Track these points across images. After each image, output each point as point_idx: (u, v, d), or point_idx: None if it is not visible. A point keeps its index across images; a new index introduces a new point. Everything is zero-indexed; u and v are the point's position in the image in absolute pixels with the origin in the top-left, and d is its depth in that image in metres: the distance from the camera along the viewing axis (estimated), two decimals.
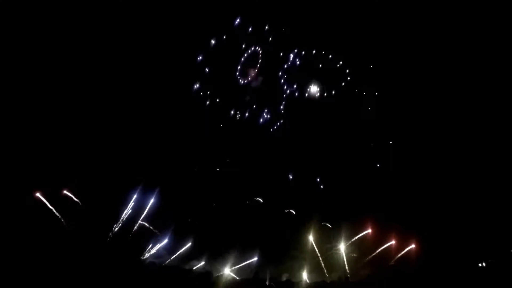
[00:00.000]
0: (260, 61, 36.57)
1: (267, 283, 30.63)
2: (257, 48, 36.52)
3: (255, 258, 30.68)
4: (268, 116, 36.70)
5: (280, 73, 37.36)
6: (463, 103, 34.05)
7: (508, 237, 31.50)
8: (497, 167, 32.67)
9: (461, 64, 34.08)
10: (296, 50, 37.53)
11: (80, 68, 31.33)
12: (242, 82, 36.16)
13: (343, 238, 31.91)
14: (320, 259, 31.50)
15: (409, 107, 35.29)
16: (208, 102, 34.89)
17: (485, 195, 32.24)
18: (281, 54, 37.36)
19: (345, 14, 35.73)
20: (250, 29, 36.03)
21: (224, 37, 34.73)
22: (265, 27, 36.49)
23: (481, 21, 33.23)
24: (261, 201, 34.21)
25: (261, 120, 36.56)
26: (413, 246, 31.52)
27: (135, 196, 30.69)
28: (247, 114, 36.15)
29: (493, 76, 33.71)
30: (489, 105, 33.65)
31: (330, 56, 37.72)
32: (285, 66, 37.33)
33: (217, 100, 35.05)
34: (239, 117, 35.79)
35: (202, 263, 30.44)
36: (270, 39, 36.63)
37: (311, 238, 31.64)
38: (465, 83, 34.17)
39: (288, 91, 37.42)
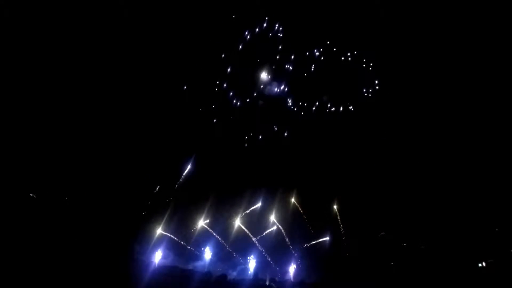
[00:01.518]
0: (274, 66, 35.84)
1: (267, 283, 30.78)
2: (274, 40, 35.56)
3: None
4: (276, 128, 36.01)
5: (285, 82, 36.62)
6: (462, 105, 33.94)
7: (508, 237, 31.51)
8: (497, 168, 32.61)
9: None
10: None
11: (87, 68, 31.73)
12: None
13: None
14: None
15: (410, 107, 35.13)
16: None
17: (485, 196, 32.20)
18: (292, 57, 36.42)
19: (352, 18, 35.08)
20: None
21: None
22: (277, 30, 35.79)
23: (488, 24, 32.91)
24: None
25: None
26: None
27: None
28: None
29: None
30: (489, 107, 33.56)
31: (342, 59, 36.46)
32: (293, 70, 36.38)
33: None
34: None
35: None
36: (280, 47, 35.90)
37: None
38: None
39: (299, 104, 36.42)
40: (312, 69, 36.06)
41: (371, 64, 36.10)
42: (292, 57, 35.93)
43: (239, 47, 34.71)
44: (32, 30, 30.49)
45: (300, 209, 33.79)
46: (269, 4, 35.52)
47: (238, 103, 34.85)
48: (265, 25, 35.52)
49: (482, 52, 33.44)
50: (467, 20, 33.27)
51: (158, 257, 30.86)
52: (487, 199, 32.18)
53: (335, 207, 34.03)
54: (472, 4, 33.05)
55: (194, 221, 32.30)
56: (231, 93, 34.66)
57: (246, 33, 34.83)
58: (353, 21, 35.04)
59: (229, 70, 34.60)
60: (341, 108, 35.67)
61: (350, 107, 35.71)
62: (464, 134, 33.58)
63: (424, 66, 34.54)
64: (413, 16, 34.25)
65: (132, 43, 32.40)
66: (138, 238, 31.09)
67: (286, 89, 35.87)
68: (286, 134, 35.22)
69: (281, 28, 35.72)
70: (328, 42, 36.09)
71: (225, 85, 34.52)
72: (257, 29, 35.29)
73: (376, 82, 35.80)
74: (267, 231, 32.95)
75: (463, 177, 32.87)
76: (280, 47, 35.74)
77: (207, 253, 31.92)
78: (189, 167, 33.12)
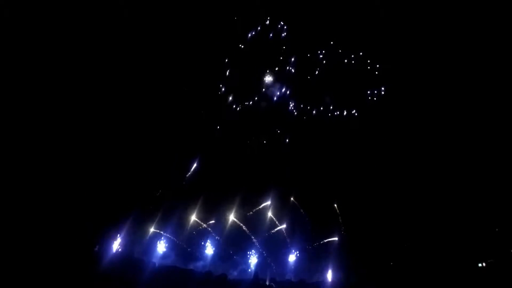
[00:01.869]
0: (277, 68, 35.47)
1: (267, 283, 30.83)
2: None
3: None
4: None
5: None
6: (462, 105, 33.92)
7: (508, 237, 31.51)
8: (497, 167, 32.61)
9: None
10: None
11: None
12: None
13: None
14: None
15: (411, 109, 35.10)
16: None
17: (485, 195, 32.20)
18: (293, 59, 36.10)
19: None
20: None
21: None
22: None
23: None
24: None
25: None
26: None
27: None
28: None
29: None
30: (488, 106, 33.57)
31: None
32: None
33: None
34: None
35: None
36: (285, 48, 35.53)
37: None
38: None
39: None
40: (316, 72, 35.87)
41: (377, 66, 35.72)
42: (293, 59, 35.86)
43: (240, 49, 34.69)
44: (32, 30, 30.52)
45: (301, 209, 33.83)
46: (270, 4, 35.47)
47: (239, 108, 34.85)
48: (267, 23, 35.47)
49: (494, 57, 33.21)
50: (479, 24, 32.97)
51: (158, 257, 30.90)
52: (487, 199, 32.18)
53: (336, 207, 34.06)
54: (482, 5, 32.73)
55: (194, 221, 32.35)
56: (230, 98, 34.65)
57: (248, 34, 34.79)
58: (358, 21, 34.82)
59: (230, 72, 34.63)
60: (345, 112, 35.48)
61: (353, 111, 35.50)
62: (464, 134, 33.60)
63: (431, 70, 34.34)
64: (422, 18, 34.00)
65: (134, 44, 32.47)
66: (138, 239, 31.15)
67: (288, 92, 35.77)
68: (288, 138, 35.17)
69: (285, 27, 35.58)
70: (331, 43, 35.79)
71: (223, 89, 34.53)
72: (258, 28, 35.25)
73: (382, 88, 35.53)
74: (268, 232, 33.01)
75: (463, 177, 32.88)
76: (283, 47, 35.63)
77: (208, 253, 31.94)
78: (190, 168, 33.19)
